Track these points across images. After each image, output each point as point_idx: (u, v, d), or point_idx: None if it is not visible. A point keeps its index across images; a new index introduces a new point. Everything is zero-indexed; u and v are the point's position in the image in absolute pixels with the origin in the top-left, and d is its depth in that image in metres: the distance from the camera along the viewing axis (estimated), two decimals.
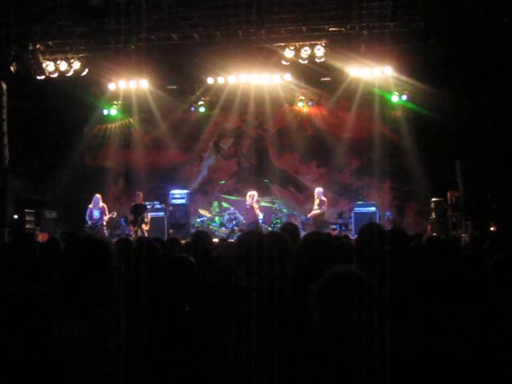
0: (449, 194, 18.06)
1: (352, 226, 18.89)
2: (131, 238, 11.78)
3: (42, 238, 16.50)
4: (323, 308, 2.86)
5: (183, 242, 8.98)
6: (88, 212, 18.53)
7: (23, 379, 2.78)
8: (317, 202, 18.61)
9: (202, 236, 6.66)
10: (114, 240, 9.36)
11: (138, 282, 3.97)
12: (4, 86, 17.06)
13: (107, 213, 18.55)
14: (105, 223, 18.50)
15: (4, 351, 2.78)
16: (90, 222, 18.31)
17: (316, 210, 18.53)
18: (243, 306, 2.83)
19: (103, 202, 18.77)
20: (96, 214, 18.33)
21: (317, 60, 17.79)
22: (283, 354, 2.92)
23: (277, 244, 4.45)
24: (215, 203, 21.97)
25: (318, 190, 18.82)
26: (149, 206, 18.61)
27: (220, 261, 5.99)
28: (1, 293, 2.97)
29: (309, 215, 18.81)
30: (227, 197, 21.94)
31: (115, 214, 18.95)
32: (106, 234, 18.42)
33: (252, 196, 18.37)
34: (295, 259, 4.40)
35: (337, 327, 2.82)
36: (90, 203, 18.73)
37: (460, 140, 18.03)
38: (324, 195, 18.68)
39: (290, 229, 6.55)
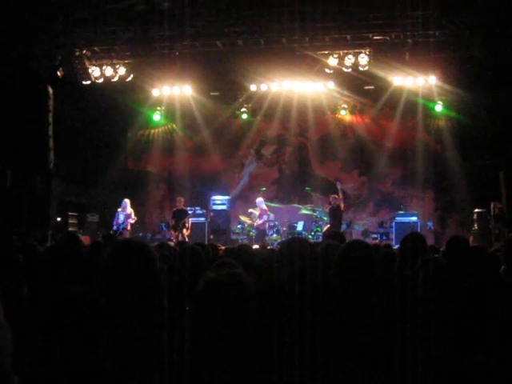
0: (492, 205, 17.80)
1: (393, 236, 18.81)
2: (172, 243, 11.85)
3: (84, 241, 16.60)
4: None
5: (223, 247, 9.02)
6: (116, 215, 18.52)
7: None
8: (258, 212, 18.73)
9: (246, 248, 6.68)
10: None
11: (182, 285, 4.00)
12: (50, 91, 17.28)
13: (133, 217, 18.39)
14: (128, 227, 18.32)
15: (53, 355, 2.83)
16: (115, 227, 18.30)
17: (258, 221, 18.94)
18: (287, 312, 2.83)
19: (145, 206, 18.88)
20: (121, 217, 18.22)
21: (360, 68, 17.73)
22: (327, 359, 2.93)
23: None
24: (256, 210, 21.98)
25: (259, 199, 18.92)
26: (190, 212, 18.70)
27: (261, 267, 5.99)
28: (50, 297, 3.00)
29: (256, 225, 19.14)
30: (268, 204, 21.93)
31: (135, 219, 18.58)
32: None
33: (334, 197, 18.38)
34: (335, 266, 4.40)
35: None
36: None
37: (504, 150, 17.80)
38: (363, 203, 18.61)
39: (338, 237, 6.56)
